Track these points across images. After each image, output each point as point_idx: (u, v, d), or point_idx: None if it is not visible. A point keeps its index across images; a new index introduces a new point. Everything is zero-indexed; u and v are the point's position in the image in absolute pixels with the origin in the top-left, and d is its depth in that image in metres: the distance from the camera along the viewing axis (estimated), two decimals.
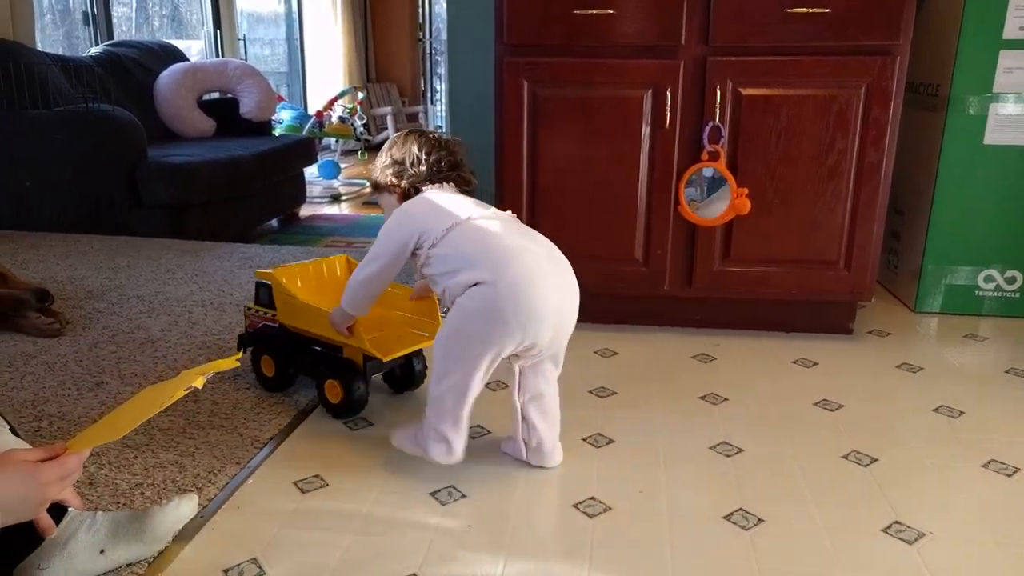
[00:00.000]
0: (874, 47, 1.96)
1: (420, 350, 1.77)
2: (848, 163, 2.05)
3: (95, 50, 4.05)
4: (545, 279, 1.35)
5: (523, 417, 1.47)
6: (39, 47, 3.72)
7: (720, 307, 2.26)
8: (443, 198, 1.49)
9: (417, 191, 1.54)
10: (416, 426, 1.46)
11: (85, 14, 4.48)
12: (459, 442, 1.41)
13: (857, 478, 1.47)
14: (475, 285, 1.33)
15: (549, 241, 1.45)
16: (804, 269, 2.15)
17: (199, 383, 1.09)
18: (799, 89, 2.01)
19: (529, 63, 2.07)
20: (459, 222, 1.41)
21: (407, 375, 1.82)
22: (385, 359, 1.63)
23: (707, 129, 2.06)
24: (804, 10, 1.94)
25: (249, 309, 1.86)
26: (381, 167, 1.59)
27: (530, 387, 1.46)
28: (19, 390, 1.81)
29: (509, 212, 1.51)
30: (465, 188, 1.58)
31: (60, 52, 3.98)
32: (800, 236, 2.12)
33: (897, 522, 1.32)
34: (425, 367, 1.81)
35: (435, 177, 1.54)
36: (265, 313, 1.81)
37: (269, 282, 1.77)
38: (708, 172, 2.09)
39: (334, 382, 1.68)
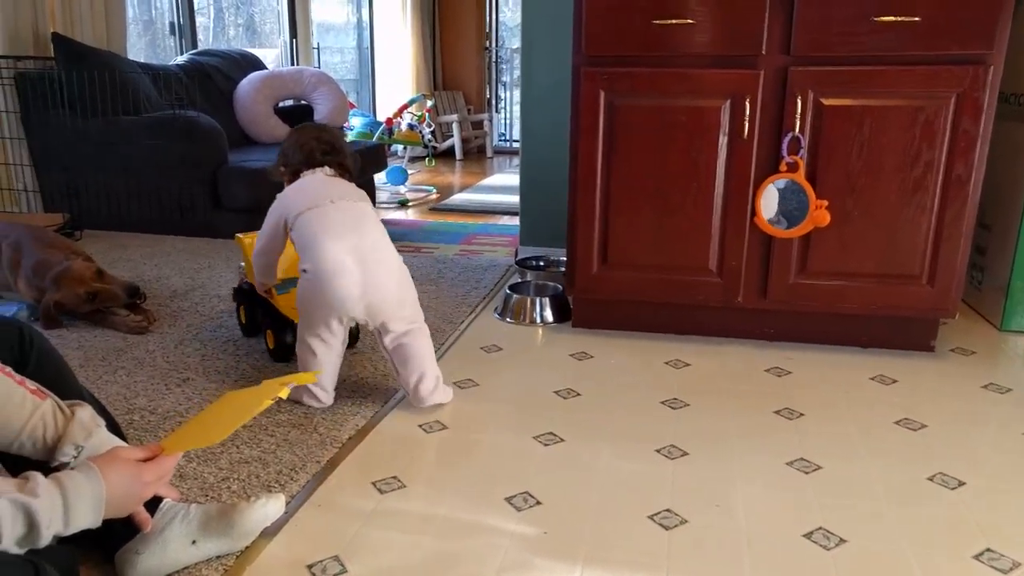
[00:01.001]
0: (966, 56, 1.91)
1: None
2: (934, 176, 1.99)
3: (181, 59, 4.22)
4: (345, 276, 1.65)
5: (393, 366, 1.77)
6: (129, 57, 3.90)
7: (794, 320, 2.22)
8: (312, 184, 1.77)
9: (297, 175, 1.82)
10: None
11: (172, 24, 4.68)
12: (323, 393, 1.76)
13: (944, 501, 1.42)
14: (302, 269, 1.69)
15: (377, 235, 1.73)
16: (884, 283, 2.09)
17: (284, 393, 1.14)
18: (884, 99, 1.97)
19: (607, 73, 2.07)
20: (304, 209, 1.70)
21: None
22: (297, 320, 1.82)
23: (786, 140, 2.03)
24: (892, 19, 1.90)
25: (240, 267, 2.26)
26: (278, 159, 1.89)
27: (387, 343, 1.75)
28: (111, 384, 1.90)
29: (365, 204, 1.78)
30: (342, 171, 1.84)
31: (143, 60, 4.16)
32: (881, 250, 2.07)
33: (989, 549, 1.28)
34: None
35: (310, 162, 1.81)
36: (244, 269, 2.20)
37: (241, 246, 2.15)
38: (780, 184, 2.05)
39: (270, 332, 2.05)
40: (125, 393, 1.84)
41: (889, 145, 1.99)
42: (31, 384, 1.08)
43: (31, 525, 0.87)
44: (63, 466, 1.05)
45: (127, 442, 1.20)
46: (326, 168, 1.81)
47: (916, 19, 1.89)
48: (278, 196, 1.81)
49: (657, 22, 2.02)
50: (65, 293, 2.22)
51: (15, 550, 0.86)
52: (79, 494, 0.93)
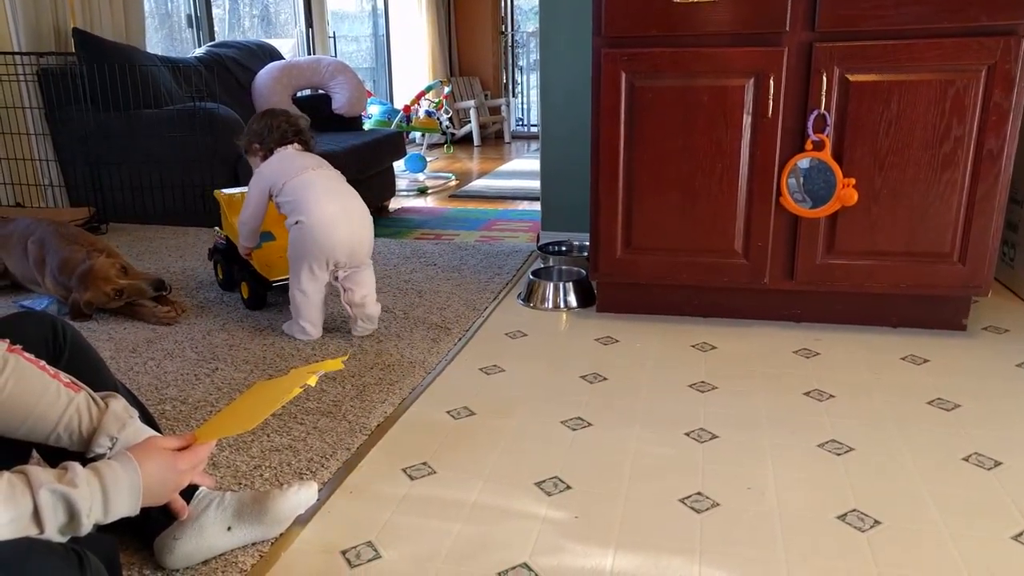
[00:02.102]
0: (996, 27, 1.86)
1: None
2: (964, 151, 1.95)
3: (199, 51, 4.24)
4: (338, 226, 2.03)
5: (342, 289, 2.11)
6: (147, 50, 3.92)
7: (822, 300, 2.19)
8: (288, 157, 2.12)
9: (271, 151, 2.15)
10: (291, 319, 2.16)
11: (189, 17, 4.69)
12: (312, 328, 2.12)
13: (980, 482, 1.41)
14: (297, 223, 2.02)
15: (353, 194, 2.11)
16: (914, 262, 2.06)
17: (312, 381, 1.15)
18: (912, 74, 1.93)
19: (627, 54, 2.05)
20: (292, 177, 2.05)
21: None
22: (270, 279, 2.32)
23: (812, 118, 2.00)
24: None
25: (216, 230, 2.57)
26: (247, 136, 2.21)
27: (341, 275, 2.10)
28: (142, 375, 1.92)
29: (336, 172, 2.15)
30: (307, 147, 2.19)
31: (161, 53, 4.18)
32: (910, 228, 2.03)
33: None
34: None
35: (282, 140, 2.15)
36: (221, 233, 2.52)
37: (220, 200, 2.48)
38: (804, 163, 2.03)
39: (245, 284, 2.40)
40: (156, 384, 1.87)
41: (918, 121, 1.95)
42: (65, 377, 1.09)
43: (72, 514, 0.88)
44: (99, 457, 1.06)
45: (160, 432, 1.21)
46: (295, 144, 2.17)
47: None
48: (257, 171, 2.15)
49: (678, 1, 1.99)
50: (93, 292, 2.24)
51: (58, 538, 0.87)
52: (117, 483, 0.94)
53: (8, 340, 1.04)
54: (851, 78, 1.97)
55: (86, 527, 0.90)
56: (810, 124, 2.00)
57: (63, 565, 0.84)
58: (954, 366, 1.92)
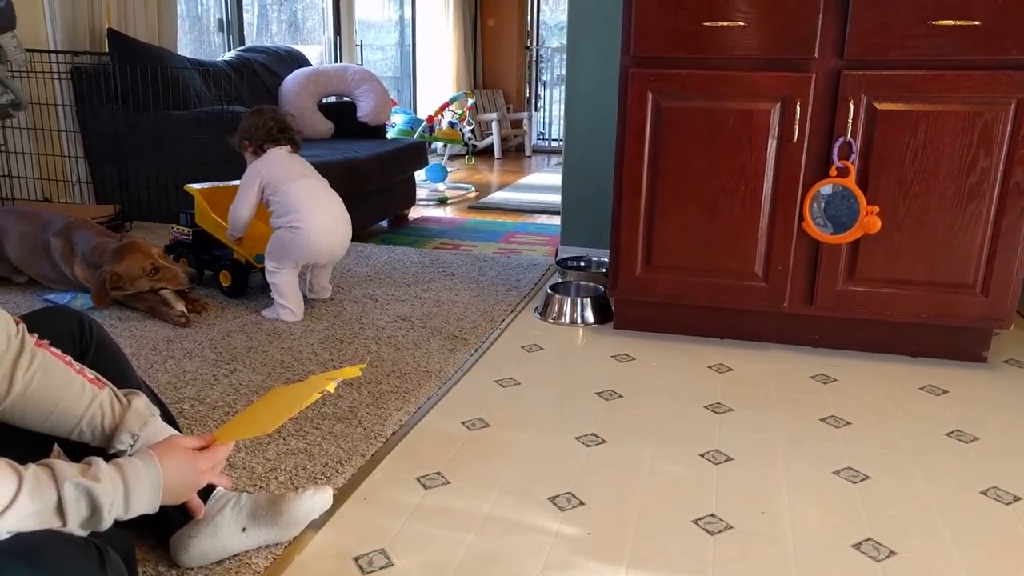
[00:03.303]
0: None
1: None
2: (991, 183, 1.95)
3: (228, 55, 4.29)
4: (328, 234, 2.33)
5: (308, 279, 2.48)
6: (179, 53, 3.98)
7: (841, 326, 2.18)
8: (283, 159, 2.34)
9: (263, 149, 2.35)
10: (271, 304, 2.38)
11: (220, 21, 4.76)
12: (297, 308, 2.36)
13: (999, 517, 1.39)
14: (292, 228, 2.27)
15: (338, 202, 2.39)
16: (935, 292, 2.05)
17: (331, 387, 1.16)
18: (940, 104, 1.93)
19: (655, 74, 2.06)
20: (287, 182, 2.29)
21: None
22: (257, 266, 2.49)
23: (837, 144, 2.00)
24: (950, 23, 1.86)
25: (173, 228, 2.75)
26: (238, 134, 2.40)
27: (310, 274, 2.49)
28: (161, 373, 1.94)
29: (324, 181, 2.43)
30: (294, 147, 2.40)
31: (189, 56, 4.23)
32: (933, 257, 2.02)
33: None
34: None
35: (270, 138, 2.34)
36: (182, 230, 2.70)
37: (193, 195, 2.62)
38: (827, 189, 2.02)
39: (226, 272, 2.56)
40: (175, 382, 1.88)
41: (944, 151, 1.95)
42: (90, 373, 1.10)
43: (94, 508, 0.89)
44: (120, 453, 1.08)
45: (179, 430, 1.22)
46: (288, 147, 2.38)
47: (976, 23, 1.85)
48: (252, 166, 2.34)
49: (707, 24, 2.00)
50: (129, 263, 2.26)
51: (79, 532, 0.88)
52: (139, 480, 0.95)
53: (36, 335, 1.06)
54: (878, 106, 1.96)
55: (107, 522, 0.91)
56: (835, 150, 2.00)
57: (84, 558, 0.86)
58: (973, 398, 1.91)
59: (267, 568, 1.20)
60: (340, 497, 1.40)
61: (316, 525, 1.31)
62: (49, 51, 3.35)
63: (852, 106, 1.97)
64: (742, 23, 1.98)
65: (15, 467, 0.84)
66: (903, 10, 1.88)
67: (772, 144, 2.04)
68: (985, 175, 1.94)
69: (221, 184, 2.75)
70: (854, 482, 1.50)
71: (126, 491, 0.94)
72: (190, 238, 2.67)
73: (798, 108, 2.00)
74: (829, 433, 1.71)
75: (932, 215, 2.00)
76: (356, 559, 1.24)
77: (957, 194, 1.97)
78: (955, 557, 1.27)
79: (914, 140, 1.96)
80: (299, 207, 2.26)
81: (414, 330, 2.29)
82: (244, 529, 1.22)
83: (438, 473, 1.50)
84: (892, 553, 1.27)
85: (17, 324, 1.03)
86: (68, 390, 1.06)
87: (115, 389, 1.12)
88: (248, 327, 2.29)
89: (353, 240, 3.60)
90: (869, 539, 1.31)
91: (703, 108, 2.06)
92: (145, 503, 0.96)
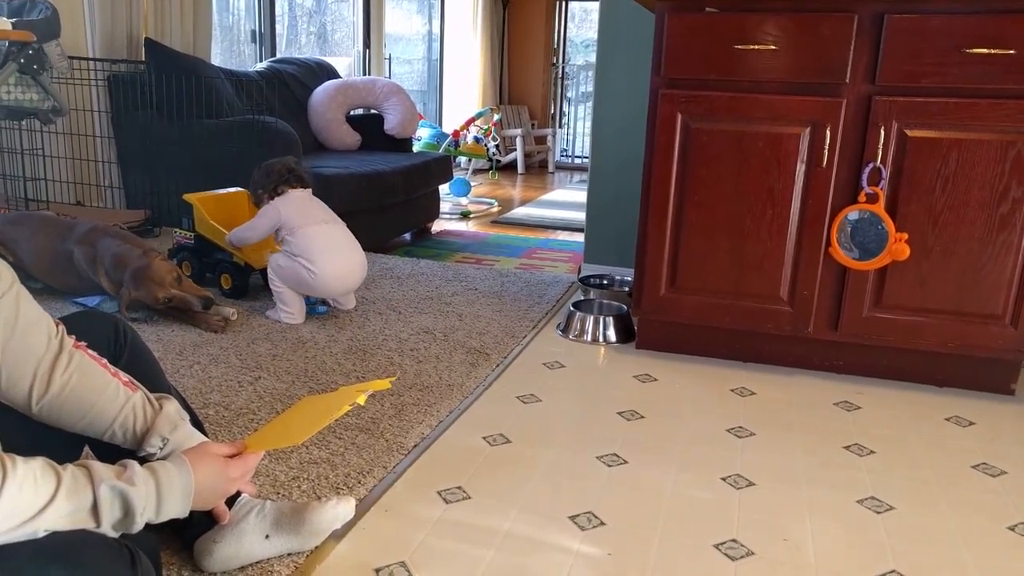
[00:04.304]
0: None
1: None
2: (1023, 213, 1.93)
3: (260, 65, 4.36)
4: (341, 280, 2.42)
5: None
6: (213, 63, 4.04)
7: (866, 353, 2.17)
8: (302, 201, 2.46)
9: (277, 192, 2.45)
10: (274, 307, 2.47)
11: (253, 32, 4.84)
12: (298, 313, 2.44)
13: None
14: (306, 268, 2.34)
15: (354, 246, 2.48)
16: (963, 322, 2.03)
17: (361, 400, 1.17)
18: (972, 133, 1.92)
19: (685, 96, 2.07)
20: (304, 226, 2.38)
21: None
22: (256, 267, 2.63)
23: (867, 170, 1.99)
24: (985, 51, 1.85)
25: (176, 232, 2.83)
26: (252, 189, 2.53)
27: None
28: (187, 378, 1.96)
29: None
30: (304, 185, 2.50)
31: (220, 65, 4.30)
32: (961, 287, 2.01)
33: None
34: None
35: (282, 180, 2.46)
36: (184, 234, 2.79)
37: (192, 203, 2.74)
38: (854, 215, 2.01)
39: (227, 275, 2.68)
40: (200, 388, 1.90)
41: (976, 180, 1.94)
42: (124, 376, 1.12)
43: (127, 511, 0.91)
44: (149, 456, 1.09)
45: (207, 435, 1.24)
46: (306, 190, 2.50)
47: (1011, 52, 1.84)
48: (271, 203, 2.44)
49: (739, 47, 2.01)
50: (145, 292, 2.29)
51: (111, 533, 0.90)
52: (171, 485, 0.97)
53: (74, 336, 1.08)
54: (909, 133, 1.96)
55: (139, 525, 0.92)
56: (865, 176, 2.00)
57: (117, 560, 0.87)
58: (1001, 431, 1.88)
59: None
60: (361, 508, 1.41)
61: (338, 535, 1.32)
62: (88, 58, 3.42)
63: (883, 132, 1.97)
64: (774, 47, 1.99)
65: (54, 467, 0.85)
66: (936, 37, 1.88)
67: (801, 168, 2.04)
68: (1017, 205, 1.93)
69: (220, 192, 2.89)
70: (878, 512, 1.49)
71: (159, 496, 0.95)
72: (192, 242, 2.77)
73: (828, 133, 2.00)
74: (853, 461, 1.70)
75: (962, 244, 1.98)
76: (377, 571, 1.24)
77: (988, 223, 1.96)
78: None
79: (945, 168, 1.95)
80: (314, 255, 2.34)
81: (436, 343, 2.31)
82: (267, 536, 1.23)
83: (459, 487, 1.51)
84: None
85: (57, 326, 1.05)
86: (103, 392, 1.08)
87: (147, 393, 1.14)
88: (273, 335, 2.31)
89: (377, 251, 3.69)
90: (893, 571, 1.30)
91: (732, 131, 2.06)
92: (176, 508, 0.98)
